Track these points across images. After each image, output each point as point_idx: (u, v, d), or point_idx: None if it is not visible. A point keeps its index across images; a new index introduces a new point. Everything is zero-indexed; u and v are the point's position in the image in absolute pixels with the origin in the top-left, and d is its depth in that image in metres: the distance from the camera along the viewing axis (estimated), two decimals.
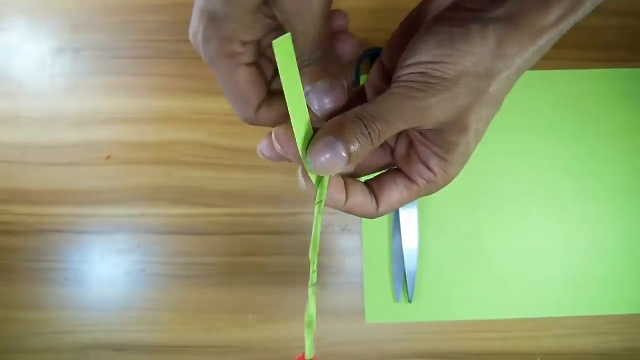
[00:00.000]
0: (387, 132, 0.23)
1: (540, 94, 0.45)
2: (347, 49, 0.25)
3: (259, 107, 0.25)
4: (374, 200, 0.26)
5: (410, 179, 0.26)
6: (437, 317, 0.43)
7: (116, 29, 0.45)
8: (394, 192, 0.26)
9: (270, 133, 0.25)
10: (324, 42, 0.23)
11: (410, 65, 0.23)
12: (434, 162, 0.25)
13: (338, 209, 0.25)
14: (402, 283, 0.43)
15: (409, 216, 0.43)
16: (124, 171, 0.45)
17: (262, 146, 0.26)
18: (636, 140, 0.44)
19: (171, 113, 0.45)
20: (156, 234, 0.44)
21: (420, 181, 0.26)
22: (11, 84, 0.45)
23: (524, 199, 0.44)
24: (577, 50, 0.45)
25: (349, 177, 0.26)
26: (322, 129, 0.23)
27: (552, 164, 0.44)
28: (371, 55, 0.44)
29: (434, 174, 0.25)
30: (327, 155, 0.22)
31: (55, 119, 0.45)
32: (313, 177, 0.24)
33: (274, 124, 0.27)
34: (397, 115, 0.22)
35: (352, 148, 0.22)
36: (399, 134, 0.27)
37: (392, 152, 0.28)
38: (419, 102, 0.22)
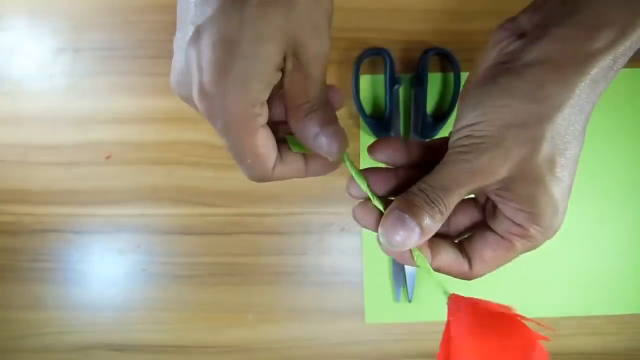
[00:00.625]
0: (451, 200, 0.23)
1: None
2: (336, 99, 0.25)
3: (274, 167, 0.25)
4: (466, 260, 0.26)
5: (502, 236, 0.26)
6: (437, 317, 0.43)
7: (117, 29, 0.45)
8: (486, 250, 0.26)
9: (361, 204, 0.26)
10: (326, 89, 0.24)
11: (457, 131, 0.24)
12: (520, 218, 0.24)
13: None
14: (402, 283, 0.43)
15: None
16: (125, 171, 0.45)
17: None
18: (636, 141, 0.44)
19: (172, 113, 0.45)
20: (157, 234, 0.44)
21: (514, 238, 0.25)
22: (12, 84, 0.45)
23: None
24: None
25: (437, 237, 0.26)
26: (391, 206, 0.24)
27: None
28: (370, 55, 0.44)
29: (524, 228, 0.24)
30: (402, 233, 0.23)
31: (56, 119, 0.45)
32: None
33: (289, 178, 0.26)
34: (454, 181, 0.23)
35: (424, 222, 0.23)
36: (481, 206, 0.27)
37: (484, 210, 0.27)
38: (470, 165, 0.23)
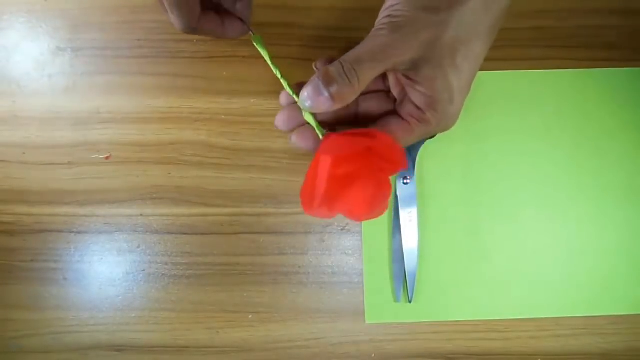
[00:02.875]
0: (363, 72, 0.26)
1: (541, 93, 0.45)
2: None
3: (198, 19, 0.31)
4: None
5: (403, 119, 0.29)
6: (437, 317, 0.43)
7: (116, 29, 0.45)
8: (391, 133, 0.29)
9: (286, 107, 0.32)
10: None
11: (381, 12, 0.27)
12: (421, 101, 0.28)
13: None
14: (403, 283, 0.43)
15: (409, 216, 0.43)
16: (124, 171, 0.45)
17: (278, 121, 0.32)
18: (636, 140, 0.44)
19: (171, 113, 0.45)
20: (156, 234, 0.44)
21: (412, 121, 0.29)
22: (10, 83, 0.45)
23: (524, 199, 0.44)
24: (580, 50, 0.45)
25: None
26: (313, 76, 0.27)
27: (552, 164, 0.44)
28: None
29: (422, 112, 0.28)
30: (316, 98, 0.27)
31: (55, 118, 0.45)
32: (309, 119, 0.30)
33: (209, 35, 0.35)
34: (368, 54, 0.26)
35: (334, 90, 0.26)
36: (396, 82, 0.30)
37: (395, 101, 0.31)
38: (384, 39, 0.26)
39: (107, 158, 0.45)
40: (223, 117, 0.45)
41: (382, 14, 0.27)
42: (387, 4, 0.27)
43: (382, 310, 0.43)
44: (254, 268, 0.44)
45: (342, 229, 0.44)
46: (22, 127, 0.45)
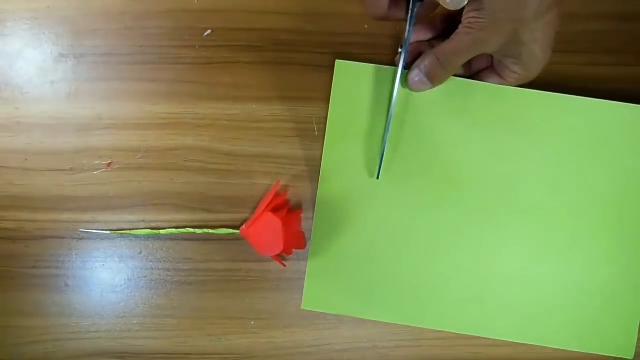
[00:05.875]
0: (459, 61, 0.37)
1: (523, 114, 0.42)
2: None
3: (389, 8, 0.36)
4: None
5: (500, 76, 0.40)
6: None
7: (118, 35, 0.45)
8: (488, 80, 0.41)
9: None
10: None
11: (467, 12, 0.34)
12: (515, 67, 0.38)
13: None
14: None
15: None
16: (126, 177, 0.45)
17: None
18: (612, 174, 0.42)
19: (173, 119, 0.45)
20: (158, 240, 0.44)
21: (507, 77, 0.39)
22: (13, 90, 0.45)
23: (511, 218, 0.43)
24: (580, 54, 0.45)
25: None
26: (417, 62, 0.39)
27: (526, 189, 0.43)
28: None
29: (516, 73, 0.38)
30: (414, 80, 0.39)
31: (57, 125, 0.45)
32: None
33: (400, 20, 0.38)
34: (464, 47, 0.35)
35: (429, 73, 0.38)
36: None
37: (492, 61, 0.40)
38: (474, 36, 0.34)
39: (108, 165, 0.45)
40: (225, 122, 0.45)
41: (468, 14, 0.34)
42: (471, 6, 0.33)
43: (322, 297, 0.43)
44: (256, 274, 0.44)
45: None
46: (24, 133, 0.45)
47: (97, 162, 0.45)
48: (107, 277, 0.44)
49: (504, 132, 0.43)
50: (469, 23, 0.34)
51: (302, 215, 0.44)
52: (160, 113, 0.45)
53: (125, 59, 0.45)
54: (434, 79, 0.38)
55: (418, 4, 0.36)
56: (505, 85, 0.40)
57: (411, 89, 0.40)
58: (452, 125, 0.43)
